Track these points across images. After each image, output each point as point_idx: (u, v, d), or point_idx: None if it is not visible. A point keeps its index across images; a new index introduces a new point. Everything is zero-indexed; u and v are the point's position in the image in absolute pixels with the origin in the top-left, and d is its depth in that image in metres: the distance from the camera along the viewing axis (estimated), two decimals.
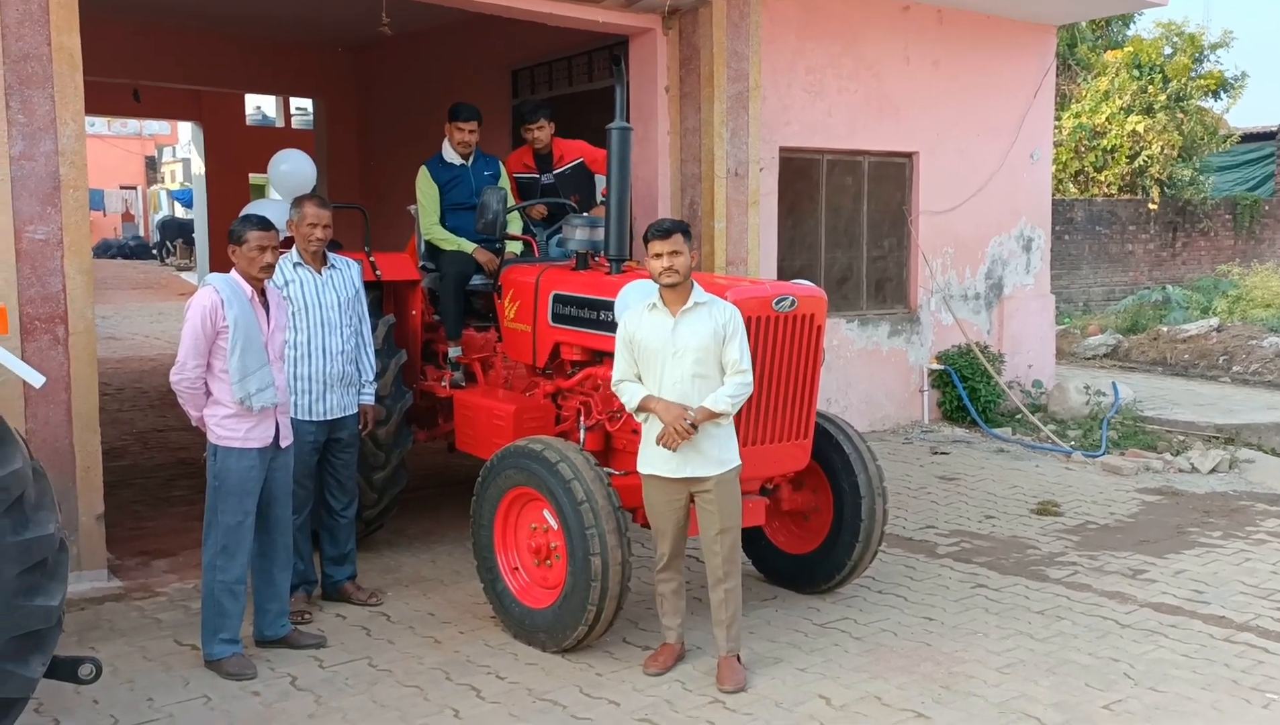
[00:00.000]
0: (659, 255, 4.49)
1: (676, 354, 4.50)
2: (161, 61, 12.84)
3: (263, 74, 13.96)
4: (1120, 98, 20.19)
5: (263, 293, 4.77)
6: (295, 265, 5.30)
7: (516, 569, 5.13)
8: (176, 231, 34.79)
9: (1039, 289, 11.16)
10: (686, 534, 4.71)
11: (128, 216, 43.60)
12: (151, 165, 46.46)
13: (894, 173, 10.09)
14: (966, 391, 10.09)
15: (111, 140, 42.85)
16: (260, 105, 29.25)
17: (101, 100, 15.41)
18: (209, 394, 4.66)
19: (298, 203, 5.33)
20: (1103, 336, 15.60)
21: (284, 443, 4.83)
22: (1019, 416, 10.30)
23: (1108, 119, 20.32)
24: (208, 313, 4.56)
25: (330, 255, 5.42)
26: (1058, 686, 4.65)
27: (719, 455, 4.53)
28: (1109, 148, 20.68)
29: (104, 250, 37.91)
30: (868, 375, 9.91)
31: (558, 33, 9.48)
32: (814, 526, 5.74)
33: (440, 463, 8.17)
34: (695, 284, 4.58)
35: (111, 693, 4.48)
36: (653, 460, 4.61)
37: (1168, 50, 20.94)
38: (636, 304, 4.73)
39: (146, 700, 4.44)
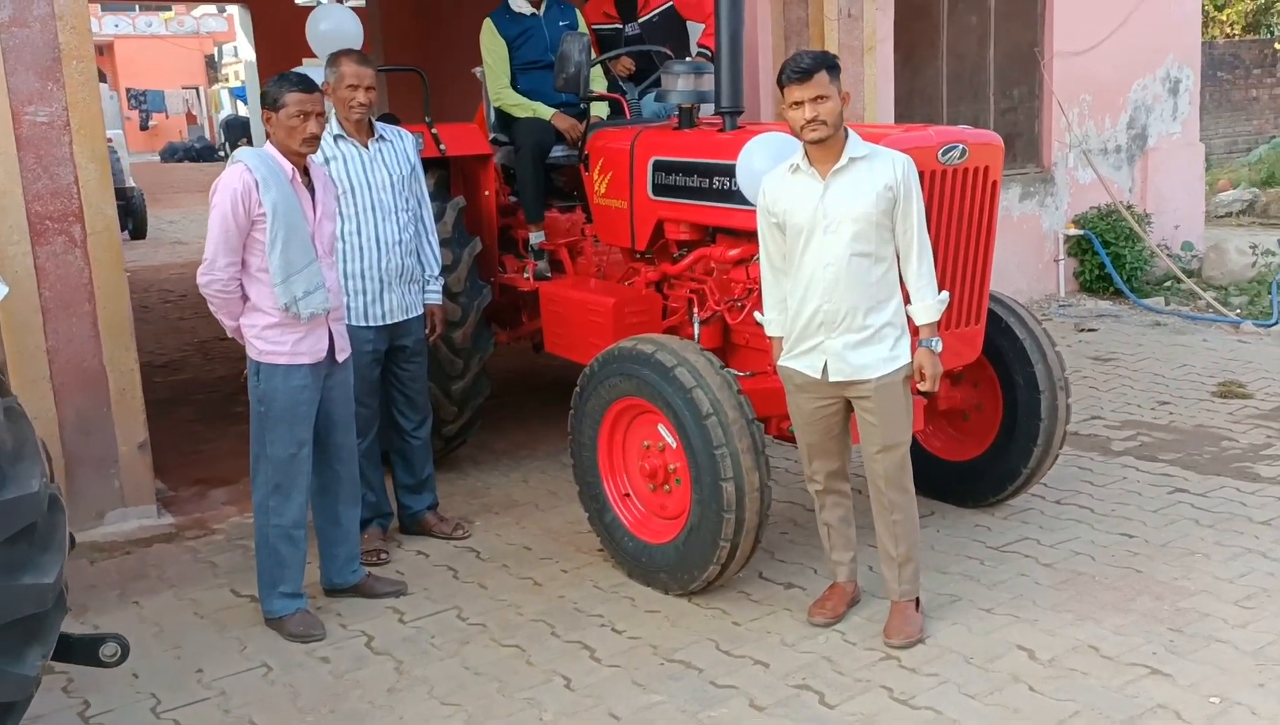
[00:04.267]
0: (799, 104, 3.43)
1: (829, 227, 3.47)
2: None
3: None
4: None
5: (306, 172, 3.85)
6: (336, 138, 4.35)
7: (628, 496, 4.25)
8: (241, 131, 34.00)
9: (1187, 137, 9.79)
10: (847, 447, 3.76)
11: (190, 118, 43.00)
12: (211, 64, 45.66)
13: (1024, 9, 8.74)
14: (1110, 258, 8.89)
15: (170, 40, 42.04)
16: None
17: None
18: (246, 299, 3.79)
19: (333, 60, 4.35)
20: (1235, 191, 14.11)
21: (340, 355, 3.95)
22: (1169, 284, 9.09)
23: None
24: (239, 196, 3.65)
25: (378, 125, 4.46)
26: None
27: (882, 353, 3.54)
28: None
29: (171, 154, 37.39)
30: (996, 245, 8.73)
31: None
32: (976, 427, 4.76)
33: (527, 364, 7.29)
34: (851, 134, 3.53)
35: (154, 662, 3.74)
36: (793, 349, 3.65)
37: None
38: (772, 165, 3.71)
39: (195, 672, 3.68)
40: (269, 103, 3.74)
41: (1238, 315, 8.17)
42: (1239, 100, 18.88)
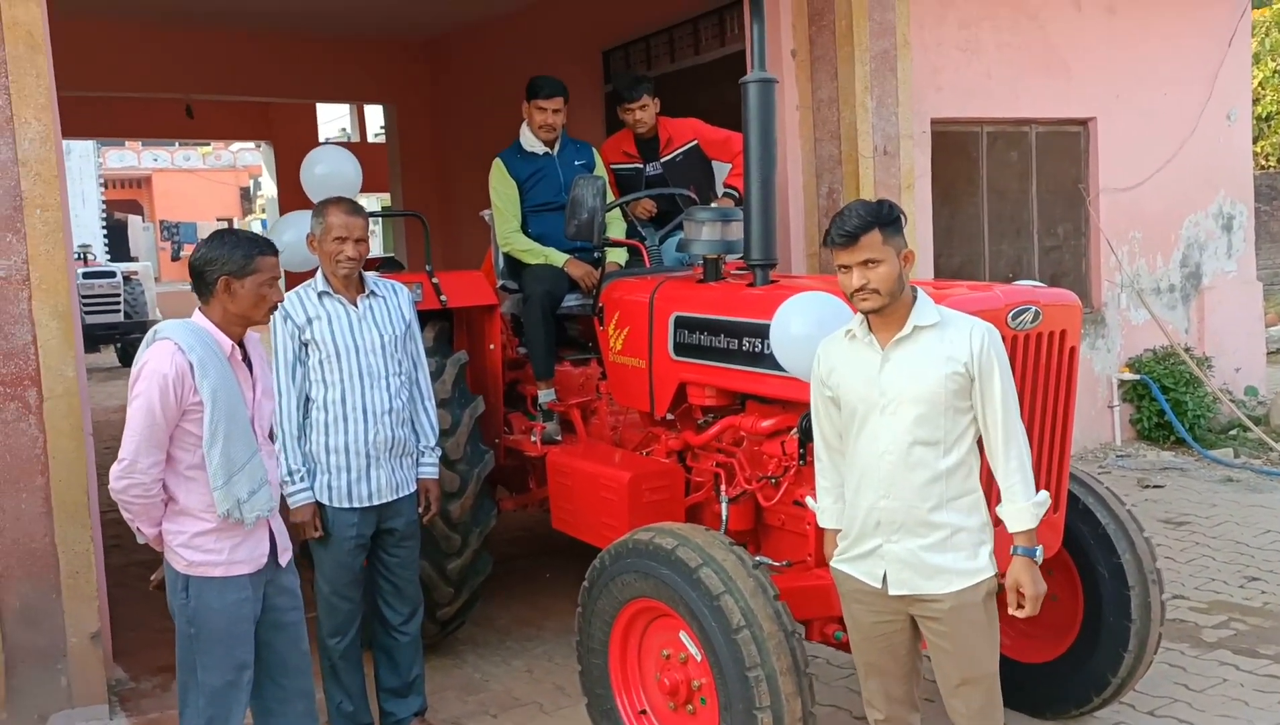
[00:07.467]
0: (846, 267, 2.92)
1: (886, 408, 2.91)
2: (215, 71, 11.65)
3: (327, 80, 12.62)
4: (1274, 59, 17.96)
5: (241, 344, 3.27)
6: (321, 295, 3.85)
7: (644, 713, 3.59)
8: None
9: (1243, 275, 9.24)
10: (916, 669, 3.11)
11: None
12: (247, 196, 46.43)
13: (1067, 144, 8.32)
14: (1169, 404, 8.25)
15: (205, 174, 42.88)
16: (345, 127, 28.43)
17: (151, 120, 14.53)
18: (170, 500, 3.17)
19: (320, 210, 3.88)
20: None
21: (284, 557, 3.33)
22: (1234, 432, 8.42)
23: (1260, 84, 18.12)
24: (171, 384, 3.02)
25: (369, 279, 3.96)
26: None
27: (957, 563, 2.92)
28: (1264, 116, 18.46)
29: None
30: None
31: (655, 2, 8.03)
32: (1053, 623, 4.09)
33: (537, 522, 6.68)
34: (922, 296, 2.98)
35: None
36: (847, 551, 3.05)
37: None
38: (811, 330, 3.16)
39: None
40: (233, 268, 3.10)
41: None
42: (1277, 231, 18.44)
